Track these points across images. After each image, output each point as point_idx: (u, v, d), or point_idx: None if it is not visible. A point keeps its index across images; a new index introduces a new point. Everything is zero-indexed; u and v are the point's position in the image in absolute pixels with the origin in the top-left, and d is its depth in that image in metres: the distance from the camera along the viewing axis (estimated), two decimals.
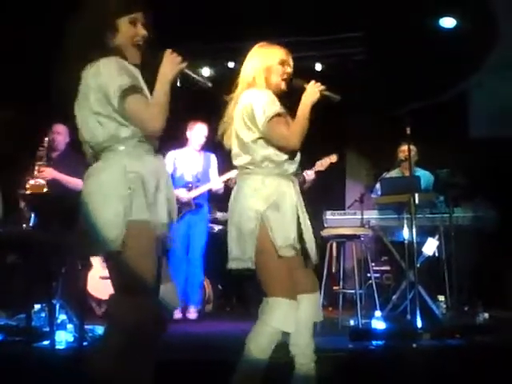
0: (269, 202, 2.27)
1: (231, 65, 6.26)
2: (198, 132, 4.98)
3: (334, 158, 4.03)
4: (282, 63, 2.40)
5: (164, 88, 1.96)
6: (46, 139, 4.33)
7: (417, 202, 4.13)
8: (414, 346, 3.40)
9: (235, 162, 2.40)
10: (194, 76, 2.05)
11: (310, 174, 3.87)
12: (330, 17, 5.38)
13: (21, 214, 3.98)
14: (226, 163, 4.86)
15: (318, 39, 5.99)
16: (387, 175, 5.00)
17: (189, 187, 4.90)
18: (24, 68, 5.01)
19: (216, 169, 5.07)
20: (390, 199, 4.60)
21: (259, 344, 2.22)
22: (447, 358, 3.06)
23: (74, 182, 4.28)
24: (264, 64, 2.39)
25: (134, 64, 2.03)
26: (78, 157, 4.41)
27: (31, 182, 4.13)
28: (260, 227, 2.25)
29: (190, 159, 5.04)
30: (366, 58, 6.11)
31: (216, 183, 4.94)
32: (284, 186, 2.33)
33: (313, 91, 2.36)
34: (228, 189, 4.80)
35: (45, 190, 4.14)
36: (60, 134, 4.52)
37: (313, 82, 2.39)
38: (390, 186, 4.76)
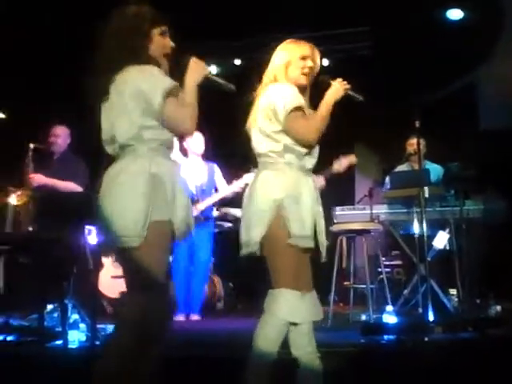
0: (287, 191, 2.27)
1: (237, 62, 6.27)
2: (195, 140, 4.86)
3: (353, 159, 3.77)
4: (304, 58, 2.41)
5: (192, 93, 2.09)
6: (31, 145, 4.25)
7: (426, 195, 4.12)
8: (426, 339, 3.38)
9: (257, 150, 2.40)
10: (218, 80, 2.22)
11: (320, 181, 3.59)
12: (337, 11, 5.36)
13: (30, 216, 3.98)
14: (230, 172, 4.90)
15: (324, 34, 5.97)
16: (396, 169, 4.97)
17: (195, 200, 4.76)
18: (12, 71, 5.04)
19: (222, 177, 5.00)
20: (400, 193, 4.58)
21: (267, 336, 2.21)
22: (459, 351, 3.04)
23: (63, 185, 4.26)
24: (285, 58, 2.41)
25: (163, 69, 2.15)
26: (77, 159, 4.47)
27: (18, 192, 4.05)
28: (274, 215, 2.25)
29: (193, 169, 4.92)
30: (374, 51, 6.08)
31: (225, 192, 4.87)
32: (303, 180, 2.33)
33: (338, 89, 2.37)
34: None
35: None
36: (59, 137, 4.47)
37: (339, 79, 2.40)
38: (399, 179, 4.74)
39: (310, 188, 2.33)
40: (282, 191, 2.27)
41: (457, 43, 5.40)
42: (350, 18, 5.66)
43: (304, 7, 5.18)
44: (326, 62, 6.24)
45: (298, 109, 2.31)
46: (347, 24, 5.93)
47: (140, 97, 2.01)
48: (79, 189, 4.28)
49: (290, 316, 2.22)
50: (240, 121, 2.49)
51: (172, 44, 2.17)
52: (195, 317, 4.79)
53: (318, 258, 2.40)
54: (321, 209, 2.39)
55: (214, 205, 4.98)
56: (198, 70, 2.13)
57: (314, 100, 2.46)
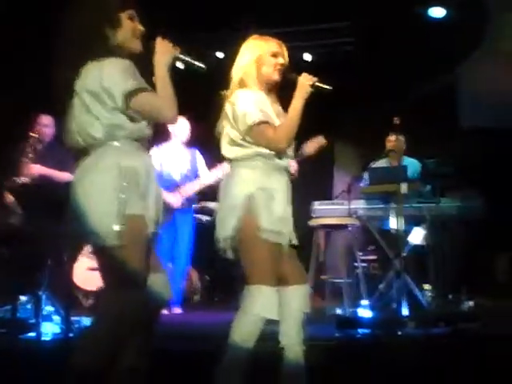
0: (257, 185, 2.27)
1: (220, 55, 6.23)
2: (181, 126, 4.78)
3: (322, 140, 3.84)
4: (275, 55, 2.38)
5: (164, 76, 2.03)
6: (31, 134, 4.25)
7: (404, 191, 4.15)
8: (400, 334, 3.43)
9: (226, 155, 2.39)
10: (189, 59, 2.13)
11: (293, 166, 3.71)
12: (318, 6, 5.36)
13: (8, 208, 3.95)
14: (212, 158, 4.84)
15: (306, 29, 5.97)
16: (375, 165, 5.01)
17: (178, 186, 4.73)
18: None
19: (204, 164, 4.93)
20: (377, 189, 4.61)
21: (242, 332, 2.22)
22: (432, 346, 3.09)
23: (61, 175, 4.24)
24: (255, 55, 2.37)
25: (136, 53, 2.08)
26: (64, 148, 4.42)
27: (17, 180, 4.06)
28: (246, 208, 2.25)
29: (176, 156, 4.86)
30: (355, 47, 6.10)
31: (208, 179, 4.77)
32: (277, 177, 2.34)
33: (304, 85, 2.33)
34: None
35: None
36: (47, 126, 4.44)
37: (304, 74, 2.35)
38: (377, 175, 4.77)
39: (282, 186, 2.34)
40: (253, 185, 2.27)
41: (439, 41, 5.44)
42: (333, 13, 5.66)
43: (287, 1, 5.16)
44: (308, 57, 6.25)
45: (261, 122, 2.27)
46: (330, 19, 5.93)
47: (105, 96, 1.95)
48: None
49: (266, 312, 2.23)
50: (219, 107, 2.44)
51: (142, 27, 2.09)
52: (177, 310, 4.73)
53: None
54: (290, 210, 2.38)
55: (196, 193, 4.92)
56: (166, 50, 2.06)
57: (284, 98, 2.42)
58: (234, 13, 5.07)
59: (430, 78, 6.00)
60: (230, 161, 2.39)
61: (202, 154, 4.98)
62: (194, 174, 4.88)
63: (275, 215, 2.27)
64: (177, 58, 2.09)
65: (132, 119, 2.00)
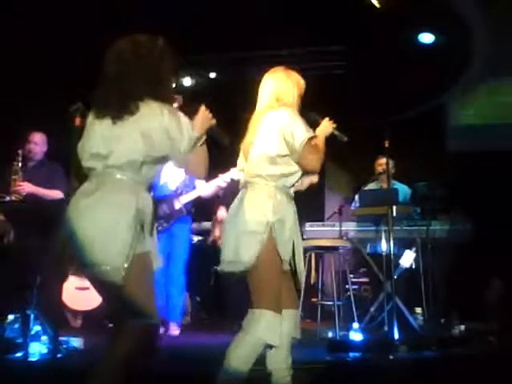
0: (278, 214, 2.34)
1: (212, 75, 6.29)
2: None
3: (315, 179, 3.88)
4: (300, 87, 2.56)
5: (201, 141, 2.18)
6: (20, 152, 4.23)
7: (394, 214, 4.17)
8: (391, 357, 3.41)
9: (254, 171, 2.43)
10: (218, 132, 2.31)
11: None
12: (313, 30, 5.43)
13: None
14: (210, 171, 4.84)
15: (298, 52, 6.04)
16: (365, 188, 5.04)
17: (178, 194, 4.69)
18: None
19: None
20: (368, 211, 4.64)
21: (241, 354, 2.22)
22: (423, 370, 3.08)
23: (51, 194, 4.22)
24: (294, 84, 2.53)
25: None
26: (54, 166, 4.42)
27: (7, 198, 4.03)
28: (267, 237, 2.30)
29: (173, 166, 4.87)
30: (347, 71, 6.18)
31: (205, 190, 4.71)
32: (289, 205, 2.41)
33: (327, 127, 2.58)
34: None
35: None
36: (37, 144, 4.42)
37: (327, 118, 2.60)
38: (368, 198, 4.80)
39: (292, 215, 2.41)
40: (274, 214, 2.32)
41: (427, 66, 5.54)
42: (326, 36, 5.74)
43: (280, 24, 5.23)
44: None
45: (312, 138, 2.42)
46: (322, 43, 6.02)
47: (163, 135, 2.03)
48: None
49: (268, 337, 2.24)
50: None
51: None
52: (174, 326, 4.56)
53: None
54: (300, 238, 2.46)
55: (193, 203, 4.90)
56: (205, 119, 2.21)
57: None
58: (229, 35, 5.13)
59: (419, 102, 6.08)
60: (251, 177, 2.43)
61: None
62: (190, 185, 4.87)
63: (288, 245, 2.35)
64: (210, 129, 2.24)
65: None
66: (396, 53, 5.61)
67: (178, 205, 4.70)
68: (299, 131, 2.38)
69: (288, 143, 2.38)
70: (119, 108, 2.02)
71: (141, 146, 2.01)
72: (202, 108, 2.21)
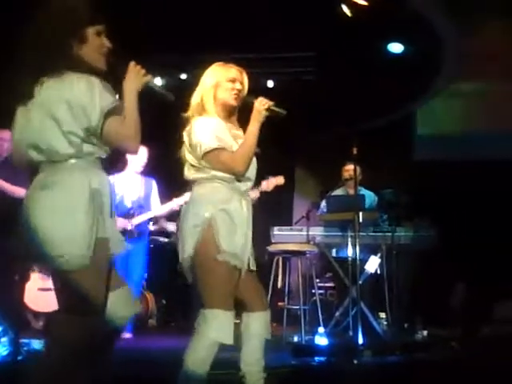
0: (217, 207, 2.27)
1: (183, 76, 6.27)
2: (139, 155, 4.63)
3: (280, 181, 3.78)
4: (232, 80, 2.41)
5: (132, 102, 1.97)
6: None
7: (361, 220, 4.22)
8: (356, 362, 3.45)
9: (187, 177, 2.40)
10: (158, 89, 2.10)
11: (253, 193, 3.72)
12: (283, 35, 5.47)
13: None
14: (168, 188, 4.81)
15: (270, 56, 6.07)
16: (332, 193, 5.08)
17: (130, 214, 4.66)
18: None
19: (157, 195, 4.87)
20: (335, 217, 4.68)
21: (197, 357, 2.19)
22: (387, 374, 3.11)
23: (17, 190, 4.13)
24: (213, 81, 2.41)
25: (100, 70, 2.00)
26: None
27: None
28: (205, 229, 2.24)
29: (129, 183, 4.78)
30: (317, 77, 6.24)
31: (159, 210, 4.74)
32: (236, 199, 2.33)
33: (259, 109, 2.35)
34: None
35: None
36: (4, 141, 4.33)
37: (259, 98, 2.37)
38: (335, 203, 4.84)
39: (243, 209, 2.34)
40: (214, 206, 2.27)
41: (396, 75, 5.63)
42: (296, 43, 5.78)
43: (252, 28, 5.25)
44: (270, 84, 6.36)
45: (215, 149, 2.30)
46: (292, 49, 6.06)
47: (78, 110, 1.87)
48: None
49: (220, 337, 2.20)
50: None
51: (109, 44, 2.01)
52: (126, 335, 4.62)
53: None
54: (250, 233, 2.37)
55: (149, 220, 4.89)
56: (137, 76, 2.00)
57: (245, 123, 2.45)
58: (200, 37, 5.11)
59: (388, 110, 6.18)
60: (192, 183, 2.40)
61: (161, 184, 4.93)
62: (147, 203, 4.81)
63: (234, 238, 2.27)
64: (147, 86, 2.03)
65: (101, 141, 1.95)
66: (366, 61, 5.69)
67: (129, 226, 4.65)
68: (197, 145, 2.30)
69: (197, 153, 2.32)
70: (28, 89, 1.92)
71: (65, 128, 1.88)
72: (132, 63, 2.00)
